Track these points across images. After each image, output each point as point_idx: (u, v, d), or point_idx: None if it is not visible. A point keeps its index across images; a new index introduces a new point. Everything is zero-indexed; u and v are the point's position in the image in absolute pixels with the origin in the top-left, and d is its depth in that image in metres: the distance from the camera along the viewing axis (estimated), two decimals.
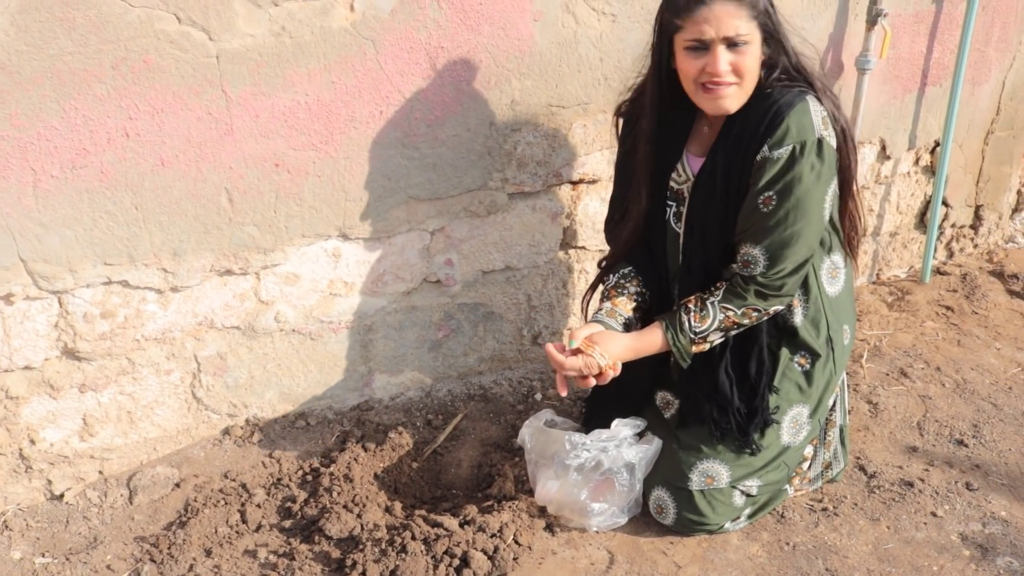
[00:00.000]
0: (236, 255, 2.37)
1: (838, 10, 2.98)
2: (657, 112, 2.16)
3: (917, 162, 3.55)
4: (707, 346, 2.18)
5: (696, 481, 2.22)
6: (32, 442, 2.30)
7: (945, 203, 3.68)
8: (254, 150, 2.28)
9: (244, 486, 2.41)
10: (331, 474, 2.40)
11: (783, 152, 2.01)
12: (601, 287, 2.38)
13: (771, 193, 2.04)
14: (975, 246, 3.90)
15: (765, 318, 2.17)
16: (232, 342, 2.48)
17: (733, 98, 2.03)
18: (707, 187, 2.15)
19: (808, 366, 2.27)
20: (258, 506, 2.33)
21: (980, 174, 3.75)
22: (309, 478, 2.44)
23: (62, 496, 2.37)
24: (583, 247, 2.87)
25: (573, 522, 2.27)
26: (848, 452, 2.53)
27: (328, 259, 2.50)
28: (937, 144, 3.52)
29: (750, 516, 2.31)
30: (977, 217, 3.86)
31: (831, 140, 2.06)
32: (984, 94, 3.56)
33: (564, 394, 2.18)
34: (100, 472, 2.43)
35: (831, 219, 2.23)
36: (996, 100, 3.63)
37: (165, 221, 2.25)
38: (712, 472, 2.22)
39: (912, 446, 2.67)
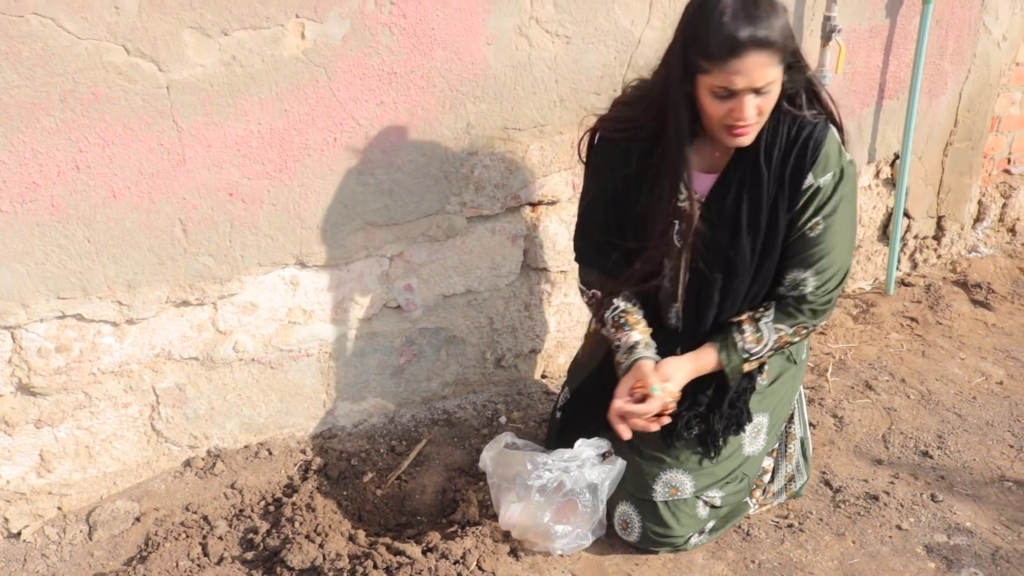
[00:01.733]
0: (192, 286, 2.35)
1: (792, 27, 2.99)
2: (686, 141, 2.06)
3: (878, 175, 3.57)
4: (755, 365, 2.22)
5: (660, 492, 2.23)
6: None
7: (907, 215, 3.71)
8: (207, 180, 2.27)
9: (206, 518, 2.38)
10: (293, 504, 2.37)
11: (827, 179, 2.08)
12: (607, 312, 2.26)
13: (818, 219, 2.10)
14: (938, 257, 3.93)
15: (811, 334, 2.29)
16: (191, 373, 2.46)
17: (753, 133, 2.01)
18: (722, 205, 2.12)
19: (766, 380, 2.29)
20: (220, 538, 2.30)
21: (941, 185, 3.79)
22: (271, 508, 2.41)
23: (19, 534, 2.33)
24: (544, 268, 2.86)
25: (538, 546, 2.26)
26: (810, 465, 2.52)
27: (286, 287, 2.49)
28: (897, 157, 3.55)
29: (712, 530, 2.31)
30: (939, 228, 3.88)
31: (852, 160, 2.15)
32: (941, 106, 3.59)
33: (628, 437, 2.12)
34: (59, 508, 2.39)
35: None
36: (953, 112, 3.66)
37: (119, 253, 2.23)
38: (676, 482, 2.23)
39: (877, 459, 2.68)
